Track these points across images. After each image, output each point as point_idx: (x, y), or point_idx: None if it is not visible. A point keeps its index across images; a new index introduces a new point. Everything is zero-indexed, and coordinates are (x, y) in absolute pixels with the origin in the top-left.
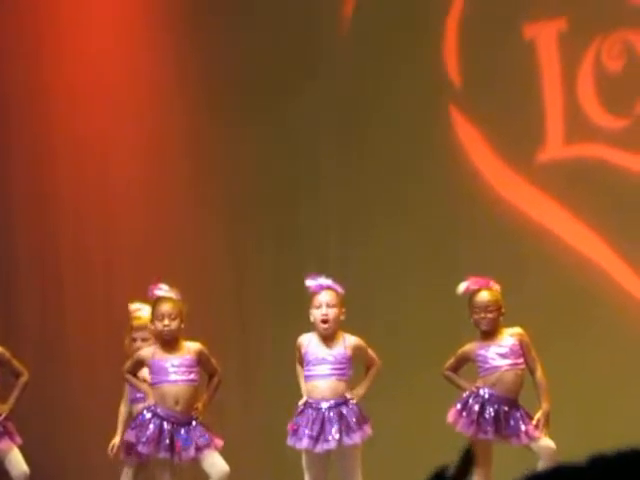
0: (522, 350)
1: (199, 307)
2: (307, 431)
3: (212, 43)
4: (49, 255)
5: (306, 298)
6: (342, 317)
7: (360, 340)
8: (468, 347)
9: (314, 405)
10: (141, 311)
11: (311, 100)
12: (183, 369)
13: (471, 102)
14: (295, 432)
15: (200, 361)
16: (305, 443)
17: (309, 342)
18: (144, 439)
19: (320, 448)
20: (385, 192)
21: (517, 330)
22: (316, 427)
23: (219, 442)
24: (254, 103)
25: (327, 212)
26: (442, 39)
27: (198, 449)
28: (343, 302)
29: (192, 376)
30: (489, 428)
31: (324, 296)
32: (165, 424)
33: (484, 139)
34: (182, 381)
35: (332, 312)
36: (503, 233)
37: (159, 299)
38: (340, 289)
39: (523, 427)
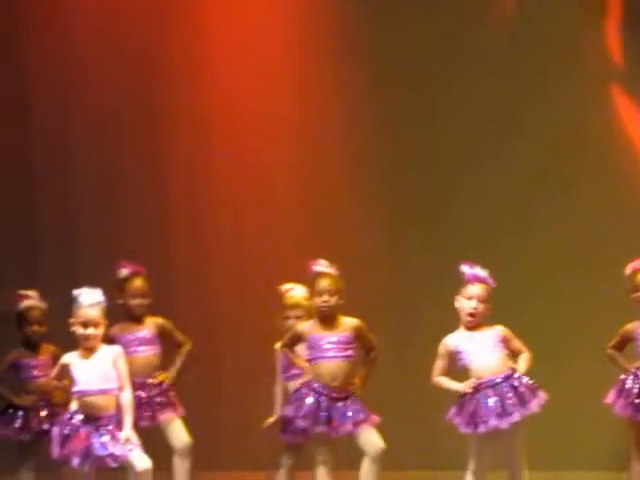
0: None
1: (353, 283)
2: (486, 413)
3: (371, 33)
4: (207, 246)
5: (459, 279)
6: (488, 312)
7: (507, 330)
8: (630, 326)
9: (488, 383)
10: (293, 290)
11: (472, 85)
12: (340, 346)
13: (634, 82)
14: (471, 420)
15: (358, 337)
16: (493, 422)
17: (457, 340)
18: (302, 413)
19: (506, 423)
20: (543, 177)
21: None
22: (497, 403)
23: (375, 418)
24: (410, 94)
25: (485, 198)
26: (605, 18)
27: (355, 424)
28: (491, 297)
29: (349, 352)
30: None
31: (477, 289)
32: (322, 399)
33: None
34: (339, 357)
35: (481, 307)
36: None
37: (319, 275)
38: (493, 283)
39: None
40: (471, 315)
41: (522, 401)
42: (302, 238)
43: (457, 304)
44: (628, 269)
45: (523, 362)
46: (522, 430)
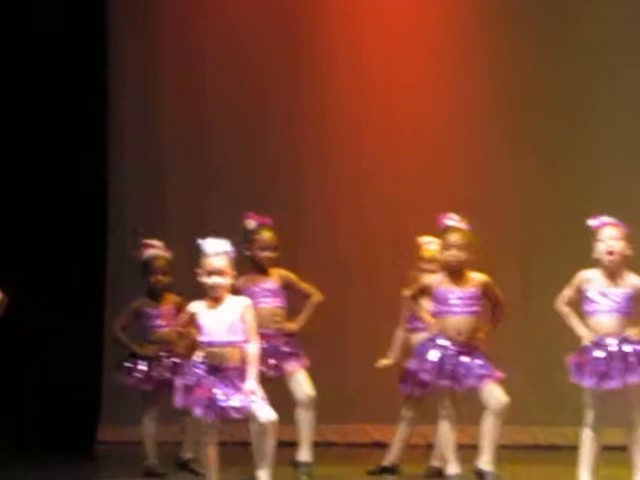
0: None
1: (482, 238)
2: (593, 369)
3: None
4: (336, 197)
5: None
6: (629, 252)
7: None
8: None
9: (600, 342)
10: (431, 244)
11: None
12: (467, 301)
13: None
14: (579, 370)
15: (485, 293)
16: (593, 382)
17: (590, 278)
18: (426, 367)
19: (606, 386)
20: None
21: None
22: (602, 365)
23: (499, 373)
24: (556, 40)
25: (620, 145)
26: None
27: (479, 379)
28: (628, 238)
29: (475, 308)
30: None
31: (608, 231)
32: (447, 353)
33: None
34: (465, 313)
35: (618, 245)
36: None
37: (449, 229)
38: (624, 226)
39: None
40: (610, 253)
41: (628, 369)
42: (433, 191)
43: (595, 255)
44: None
45: None
46: (638, 389)
